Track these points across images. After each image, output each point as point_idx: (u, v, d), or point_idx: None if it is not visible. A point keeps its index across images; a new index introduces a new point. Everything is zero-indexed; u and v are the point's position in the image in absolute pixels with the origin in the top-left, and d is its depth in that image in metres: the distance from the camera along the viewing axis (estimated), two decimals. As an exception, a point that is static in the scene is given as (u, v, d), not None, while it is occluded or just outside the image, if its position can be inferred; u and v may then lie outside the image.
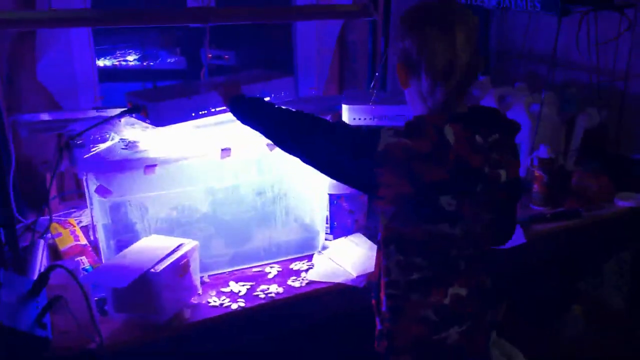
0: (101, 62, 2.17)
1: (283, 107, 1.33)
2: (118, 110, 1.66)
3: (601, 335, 2.17)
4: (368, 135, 1.15)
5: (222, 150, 1.46)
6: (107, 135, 1.51)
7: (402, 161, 1.11)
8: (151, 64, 2.34)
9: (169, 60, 2.44)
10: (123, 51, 2.32)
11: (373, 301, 1.32)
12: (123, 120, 1.58)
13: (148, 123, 1.53)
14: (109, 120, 1.54)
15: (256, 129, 1.37)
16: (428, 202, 1.13)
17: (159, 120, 1.52)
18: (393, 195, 1.14)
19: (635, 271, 2.10)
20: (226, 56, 2.50)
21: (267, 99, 1.65)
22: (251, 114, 1.38)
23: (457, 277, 1.21)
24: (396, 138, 1.12)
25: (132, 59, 2.32)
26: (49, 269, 1.21)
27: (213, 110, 1.59)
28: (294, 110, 1.31)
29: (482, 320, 1.26)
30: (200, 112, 1.57)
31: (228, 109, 1.45)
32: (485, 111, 1.23)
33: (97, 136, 1.50)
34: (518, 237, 1.69)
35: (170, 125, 1.54)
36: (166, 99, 1.52)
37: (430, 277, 1.19)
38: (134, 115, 1.56)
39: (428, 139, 1.11)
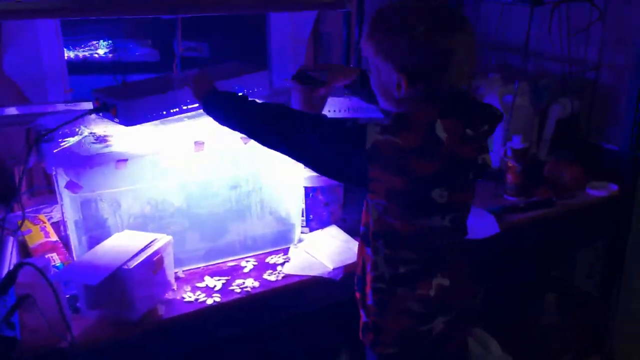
0: (70, 54, 2.12)
1: (260, 102, 1.28)
2: (88, 104, 1.62)
3: (575, 322, 2.21)
4: (355, 131, 1.12)
5: (196, 143, 1.44)
6: (76, 129, 1.47)
7: (392, 158, 1.09)
8: (120, 56, 2.31)
9: (136, 54, 2.40)
10: (93, 43, 2.28)
11: (357, 294, 1.31)
12: (93, 112, 1.54)
13: (117, 122, 1.48)
14: (73, 121, 1.47)
15: (235, 129, 1.30)
16: (420, 196, 1.13)
17: (129, 119, 1.46)
18: (384, 190, 1.13)
19: (607, 258, 2.14)
20: (199, 48, 2.47)
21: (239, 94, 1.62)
22: (228, 112, 1.31)
23: (442, 268, 1.21)
24: (383, 135, 1.09)
25: (102, 51, 2.28)
26: (17, 266, 1.18)
27: (185, 107, 1.55)
28: (272, 104, 1.26)
29: (464, 309, 1.27)
30: (172, 110, 1.53)
31: (201, 107, 1.38)
32: (470, 102, 1.20)
33: (66, 130, 1.46)
34: (492, 227, 1.70)
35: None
36: (136, 97, 1.46)
37: (417, 270, 1.20)
38: (101, 114, 1.51)
39: (417, 134, 1.10)
